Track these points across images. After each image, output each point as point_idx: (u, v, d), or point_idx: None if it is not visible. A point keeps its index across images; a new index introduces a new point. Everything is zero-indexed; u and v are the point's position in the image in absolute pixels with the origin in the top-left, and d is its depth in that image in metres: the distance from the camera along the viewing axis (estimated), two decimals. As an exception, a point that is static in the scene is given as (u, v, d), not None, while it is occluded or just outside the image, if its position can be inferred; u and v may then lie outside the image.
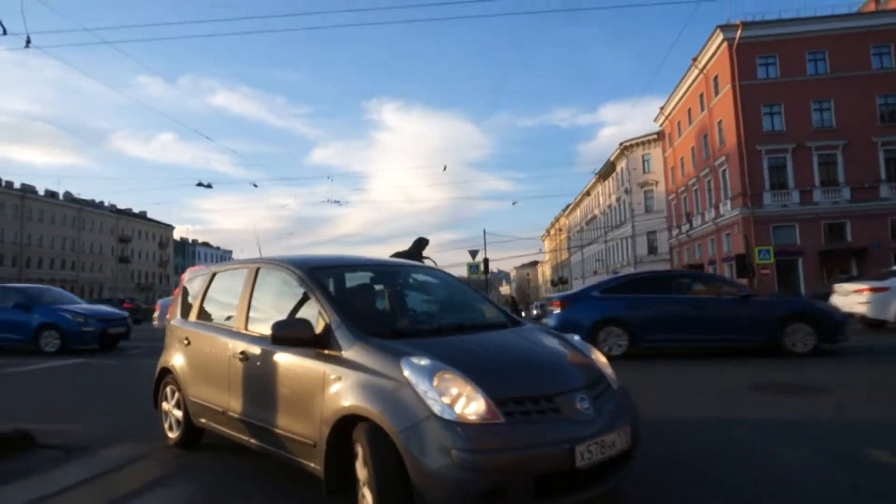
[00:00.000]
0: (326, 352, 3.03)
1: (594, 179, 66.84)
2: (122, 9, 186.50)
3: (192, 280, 5.00)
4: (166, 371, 4.71)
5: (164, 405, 4.75)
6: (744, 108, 34.82)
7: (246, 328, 3.83)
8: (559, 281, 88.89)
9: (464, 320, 3.74)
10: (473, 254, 38.60)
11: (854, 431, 4.61)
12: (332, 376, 2.91)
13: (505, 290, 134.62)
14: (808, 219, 33.92)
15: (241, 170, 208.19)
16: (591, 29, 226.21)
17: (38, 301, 12.77)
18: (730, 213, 36.42)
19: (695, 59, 39.83)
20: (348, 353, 2.92)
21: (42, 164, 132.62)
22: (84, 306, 13.73)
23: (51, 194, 78.46)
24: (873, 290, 12.78)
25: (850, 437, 4.44)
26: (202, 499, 3.46)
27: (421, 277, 4.56)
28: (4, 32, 10.50)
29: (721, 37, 35.45)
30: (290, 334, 3.10)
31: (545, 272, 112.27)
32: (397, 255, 23.16)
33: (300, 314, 3.43)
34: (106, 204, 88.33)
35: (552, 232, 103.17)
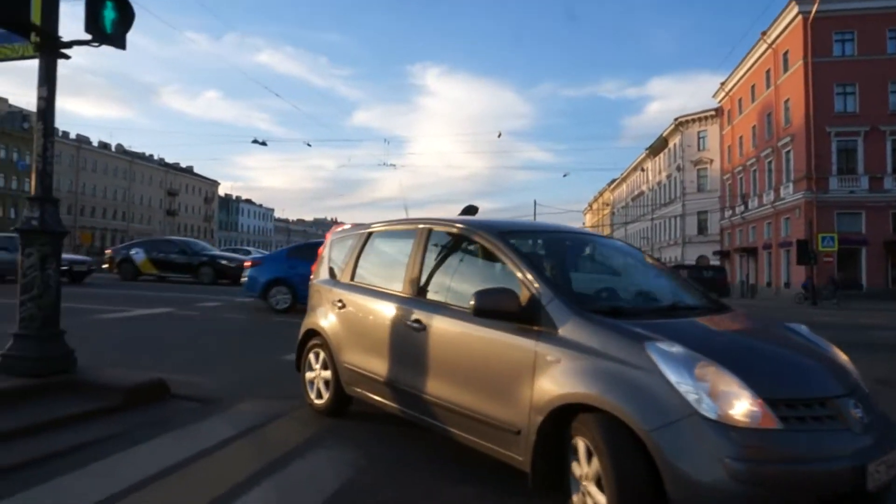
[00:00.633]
0: (536, 328, 2.72)
1: (644, 154, 65.22)
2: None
3: (342, 239, 4.76)
4: (313, 333, 4.54)
5: (311, 368, 4.54)
6: (815, 87, 33.19)
7: (417, 294, 3.57)
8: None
9: (675, 300, 3.32)
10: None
11: None
12: (549, 357, 2.60)
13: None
14: (876, 207, 32.44)
15: (283, 129, 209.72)
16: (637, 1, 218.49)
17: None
18: (791, 196, 35.07)
19: (764, 33, 38.03)
20: (566, 331, 2.61)
21: (91, 116, 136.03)
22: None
23: (104, 146, 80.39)
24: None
25: None
26: (368, 465, 3.40)
27: (609, 247, 4.26)
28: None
29: (795, 10, 33.67)
30: (496, 306, 2.76)
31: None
32: None
33: (490, 284, 3.08)
34: (155, 157, 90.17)
35: (594, 206, 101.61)
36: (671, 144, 57.32)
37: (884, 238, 32.12)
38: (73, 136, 74.26)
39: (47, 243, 4.29)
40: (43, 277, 4.26)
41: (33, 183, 4.33)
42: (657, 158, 62.12)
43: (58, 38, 4.32)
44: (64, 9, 4.40)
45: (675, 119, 54.07)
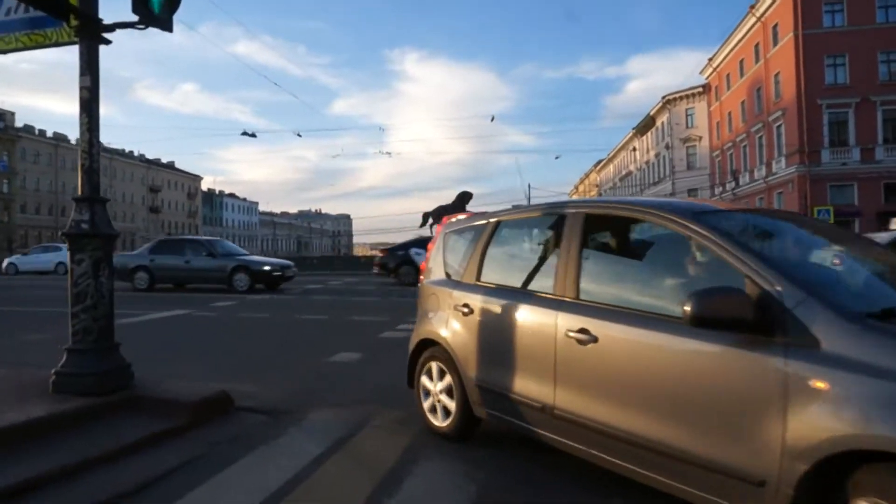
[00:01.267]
0: (780, 340, 2.03)
1: (631, 134, 65.12)
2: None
3: (460, 231, 4.07)
4: (429, 343, 3.87)
5: (427, 384, 3.86)
6: (805, 59, 33.09)
7: (575, 296, 2.85)
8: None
9: None
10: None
11: None
12: (810, 381, 1.90)
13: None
14: (868, 178, 32.60)
15: (264, 120, 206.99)
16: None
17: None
18: (784, 170, 35.14)
19: (752, 7, 37.85)
20: (834, 345, 1.91)
21: (66, 113, 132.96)
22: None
23: (82, 143, 78.55)
24: None
25: None
26: (488, 478, 3.09)
27: (817, 226, 3.65)
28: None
29: (785, -18, 33.53)
30: (724, 312, 2.07)
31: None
32: (440, 208, 22.87)
33: (687, 280, 2.52)
34: (135, 154, 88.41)
35: (581, 188, 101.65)
36: (659, 123, 57.22)
37: (876, 209, 32.29)
38: (49, 134, 72.48)
39: (99, 248, 3.91)
40: (97, 285, 3.89)
41: (80, 182, 3.94)
42: (645, 137, 62.04)
43: (99, 20, 3.91)
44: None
45: (663, 97, 53.90)
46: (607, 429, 2.57)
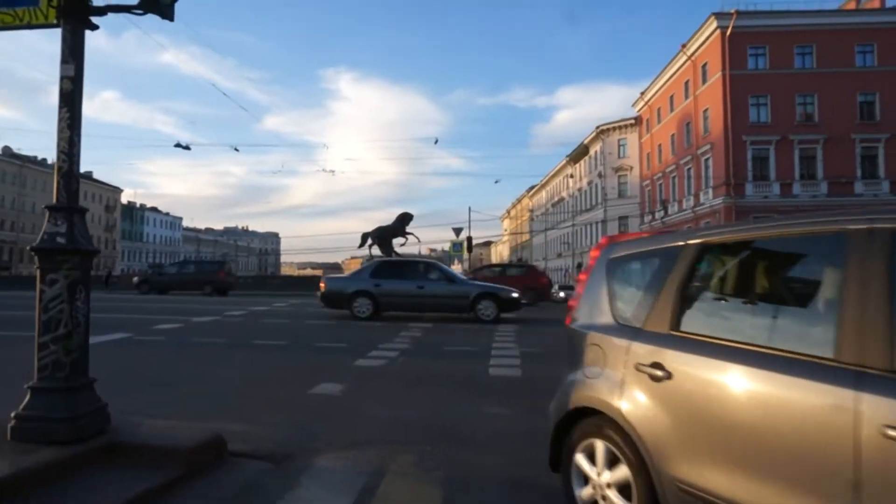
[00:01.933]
0: None
1: (564, 161, 66.90)
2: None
3: (637, 257, 3.04)
4: (588, 412, 2.79)
5: (587, 468, 2.74)
6: (732, 98, 35.10)
7: (875, 363, 1.81)
8: (517, 262, 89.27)
9: None
10: (458, 231, 37.97)
11: None
12: None
13: (457, 267, 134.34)
14: (787, 211, 34.60)
15: (188, 133, 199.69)
16: (548, 11, 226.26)
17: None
18: (711, 201, 36.89)
19: (684, 45, 39.88)
20: None
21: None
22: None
23: (-13, 149, 73.03)
24: None
25: None
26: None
27: None
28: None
29: (714, 24, 35.49)
30: None
31: (501, 252, 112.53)
32: (380, 229, 22.43)
33: None
34: (49, 161, 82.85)
35: (513, 213, 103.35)
36: (592, 152, 59.09)
37: (795, 240, 34.34)
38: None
39: (77, 266, 3.29)
40: (72, 311, 3.26)
41: (56, 188, 3.32)
42: (578, 165, 63.87)
43: (88, 1, 3.35)
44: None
45: (597, 127, 55.82)
46: None
